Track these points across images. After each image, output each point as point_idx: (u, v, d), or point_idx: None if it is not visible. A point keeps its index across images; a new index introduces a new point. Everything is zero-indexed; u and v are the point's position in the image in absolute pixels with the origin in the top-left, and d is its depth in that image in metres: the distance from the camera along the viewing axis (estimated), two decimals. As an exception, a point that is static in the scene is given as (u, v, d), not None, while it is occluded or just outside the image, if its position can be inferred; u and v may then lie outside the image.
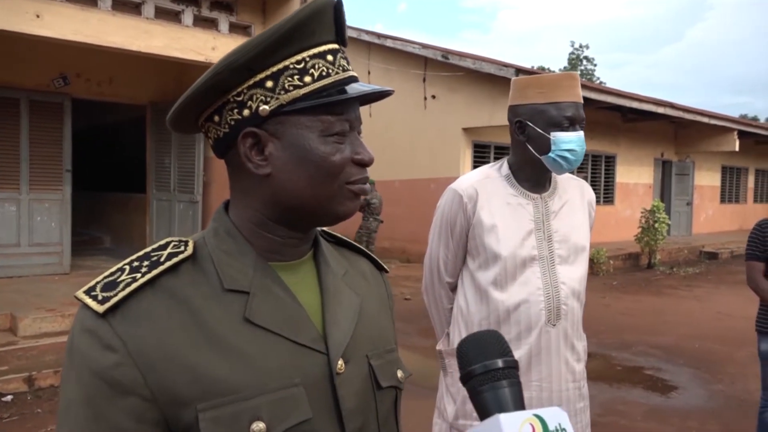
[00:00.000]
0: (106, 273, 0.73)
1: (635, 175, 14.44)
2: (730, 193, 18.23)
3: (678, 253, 12.96)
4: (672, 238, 14.36)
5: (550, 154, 1.67)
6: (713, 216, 17.13)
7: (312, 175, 0.75)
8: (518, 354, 1.68)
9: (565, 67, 41.74)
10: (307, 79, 0.74)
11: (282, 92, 0.74)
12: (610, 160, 13.76)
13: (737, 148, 14.93)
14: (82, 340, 0.68)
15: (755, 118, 37.52)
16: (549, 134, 1.66)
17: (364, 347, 0.82)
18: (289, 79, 0.73)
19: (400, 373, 0.87)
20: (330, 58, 0.76)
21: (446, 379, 1.87)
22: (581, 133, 1.68)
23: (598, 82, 36.51)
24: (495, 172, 1.80)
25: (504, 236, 1.70)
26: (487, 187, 1.76)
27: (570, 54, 43.00)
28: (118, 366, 0.66)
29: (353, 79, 0.78)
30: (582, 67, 42.39)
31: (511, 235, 1.70)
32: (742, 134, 15.11)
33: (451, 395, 1.82)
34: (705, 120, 13.63)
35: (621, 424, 4.09)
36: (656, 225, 11.39)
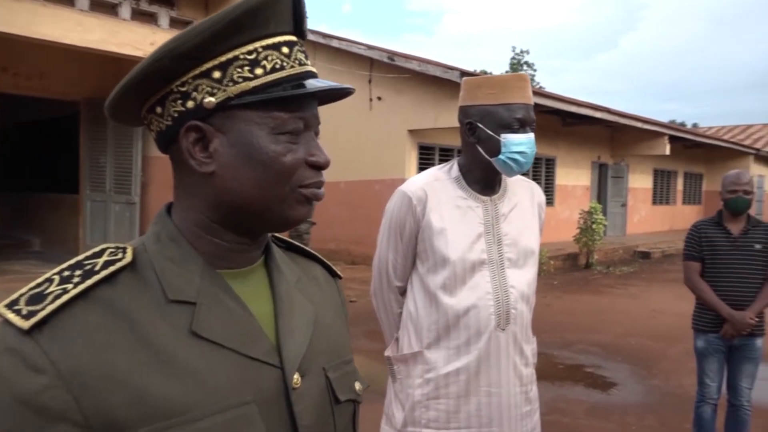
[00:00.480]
0: (32, 284, 0.65)
1: (574, 178, 14.88)
2: (661, 195, 19.06)
3: (614, 252, 13.43)
4: (608, 238, 14.88)
5: (501, 156, 1.66)
6: (646, 217, 17.85)
7: (260, 176, 0.70)
8: (468, 359, 1.67)
9: (506, 72, 42.61)
10: (259, 71, 0.69)
11: (230, 84, 0.68)
12: (550, 163, 14.14)
13: (668, 152, 15.63)
14: (2, 361, 0.60)
15: (683, 124, 39.38)
16: (499, 136, 1.65)
17: (321, 359, 0.77)
18: (239, 70, 0.68)
19: (357, 385, 0.83)
20: (285, 50, 0.71)
21: (395, 385, 1.83)
22: (531, 135, 1.68)
23: (538, 86, 37.48)
24: (444, 174, 1.78)
25: (453, 240, 1.68)
26: (437, 190, 1.73)
27: (511, 59, 43.91)
28: (47, 389, 0.58)
29: (311, 75, 0.73)
30: (523, 72, 43.22)
31: (460, 239, 1.68)
32: (672, 139, 15.82)
33: (400, 402, 1.79)
34: (638, 125, 14.18)
35: (564, 422, 4.17)
36: (594, 226, 11.76)
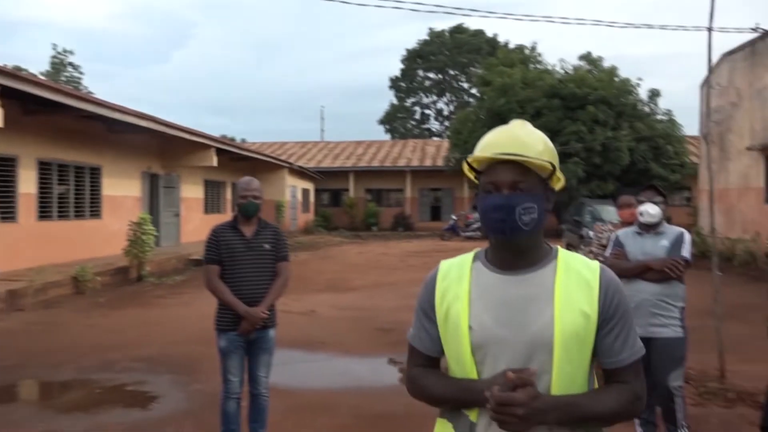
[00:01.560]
0: None
1: (123, 188, 14.26)
2: (212, 204, 20.04)
3: (167, 262, 13.39)
4: (162, 248, 14.80)
5: None
6: (198, 225, 18.42)
7: None
8: None
9: (47, 71, 38.41)
10: None
11: None
12: (95, 172, 13.20)
13: (216, 164, 16.54)
14: None
15: (233, 138, 42.39)
16: None
17: None
18: None
19: None
20: None
21: None
22: None
23: (86, 91, 34.84)
24: None
25: None
26: None
27: (53, 57, 39.76)
28: None
29: None
30: (67, 74, 39.78)
31: None
32: (220, 151, 16.83)
33: None
34: (187, 136, 14.57)
35: (96, 451, 3.82)
36: (144, 237, 11.49)
